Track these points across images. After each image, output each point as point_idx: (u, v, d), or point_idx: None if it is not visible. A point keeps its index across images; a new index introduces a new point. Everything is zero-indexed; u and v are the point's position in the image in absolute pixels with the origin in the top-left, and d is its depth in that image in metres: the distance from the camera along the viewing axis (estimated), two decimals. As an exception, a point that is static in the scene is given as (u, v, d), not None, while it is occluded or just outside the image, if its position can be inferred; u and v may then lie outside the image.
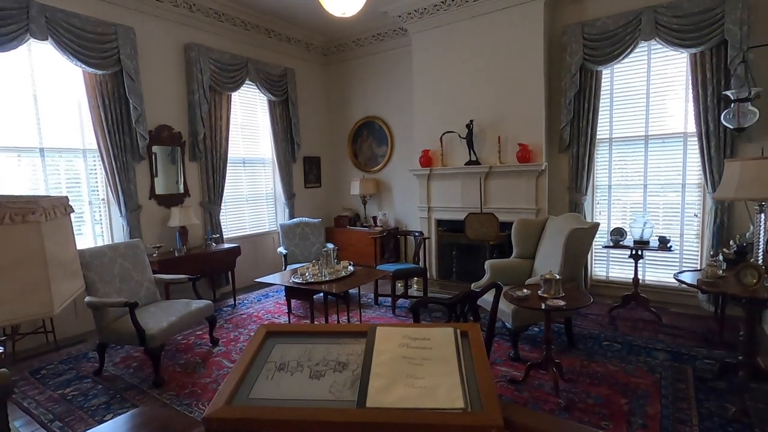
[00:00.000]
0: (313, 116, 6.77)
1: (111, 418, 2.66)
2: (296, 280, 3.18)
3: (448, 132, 5.26)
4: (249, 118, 5.89)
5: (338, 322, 3.71)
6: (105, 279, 3.34)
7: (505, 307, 3.17)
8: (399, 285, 4.87)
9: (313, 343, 1.22)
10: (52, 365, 3.47)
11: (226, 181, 5.40)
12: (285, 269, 4.95)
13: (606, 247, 4.28)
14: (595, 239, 3.81)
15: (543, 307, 2.61)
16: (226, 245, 5.13)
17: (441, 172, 5.40)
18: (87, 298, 3.18)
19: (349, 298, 3.23)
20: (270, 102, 5.95)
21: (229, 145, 5.41)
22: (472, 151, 5.12)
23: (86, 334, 4.05)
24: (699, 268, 4.15)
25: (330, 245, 5.29)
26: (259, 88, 5.72)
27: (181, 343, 3.86)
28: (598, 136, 4.75)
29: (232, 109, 5.45)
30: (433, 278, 5.57)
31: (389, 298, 4.80)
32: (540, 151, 4.78)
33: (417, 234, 4.95)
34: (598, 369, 3.11)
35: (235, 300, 5.06)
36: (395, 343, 1.17)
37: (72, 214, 1.10)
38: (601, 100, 4.67)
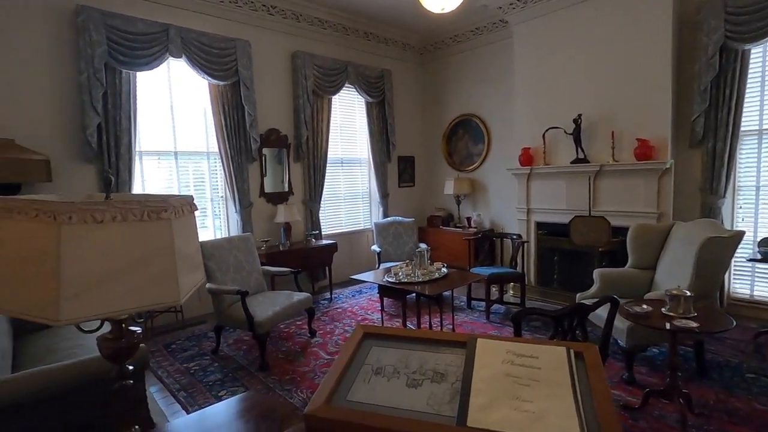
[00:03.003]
0: (408, 116, 6.81)
1: (225, 395, 2.96)
2: (390, 279, 3.21)
3: (552, 128, 4.88)
4: (347, 119, 6.13)
5: (430, 323, 3.66)
6: (222, 268, 3.73)
7: (618, 322, 2.82)
8: (493, 289, 4.65)
9: (410, 349, 1.18)
10: (180, 341, 3.98)
11: (326, 180, 5.69)
12: (378, 267, 5.05)
13: (752, 260, 3.58)
14: (737, 250, 3.20)
15: (668, 327, 2.26)
16: (324, 241, 5.40)
17: (543, 171, 5.03)
18: (207, 285, 3.58)
19: (442, 300, 3.17)
20: (367, 103, 6.12)
21: (329, 146, 5.68)
22: (579, 149, 4.68)
23: (206, 316, 4.58)
24: None
25: (422, 245, 5.27)
26: (357, 91, 5.92)
27: (283, 331, 4.15)
28: (742, 128, 4.00)
29: (332, 112, 5.71)
30: (531, 284, 5.22)
31: (483, 303, 4.62)
32: (664, 146, 4.18)
33: (515, 237, 4.68)
34: (739, 405, 2.61)
35: (331, 294, 5.31)
36: (498, 358, 1.08)
37: (195, 210, 1.20)
38: (748, 85, 3.92)
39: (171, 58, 4.25)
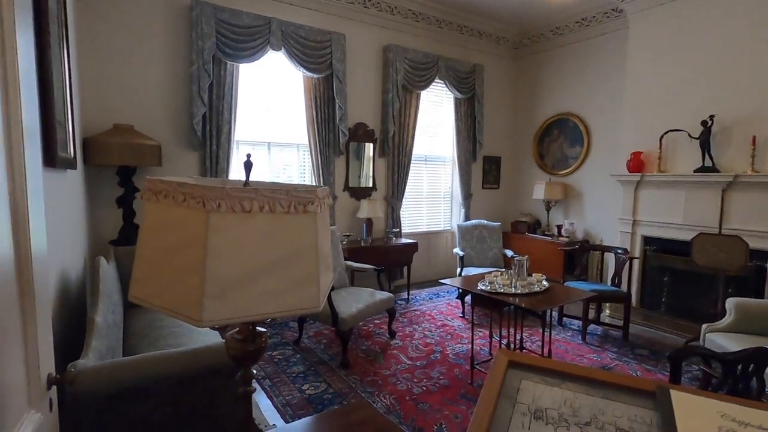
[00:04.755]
0: (497, 114, 6.44)
1: (308, 389, 2.92)
2: (483, 287, 2.97)
3: (672, 131, 4.28)
4: (433, 115, 5.92)
5: (522, 339, 3.35)
6: (308, 260, 3.72)
7: None
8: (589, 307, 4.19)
9: (572, 389, 0.96)
10: (263, 328, 4.06)
11: (409, 177, 5.54)
12: (460, 271, 4.80)
13: None
14: None
15: None
16: (405, 240, 5.26)
17: (657, 179, 4.44)
18: (294, 276, 3.59)
19: (545, 317, 2.87)
20: (456, 99, 5.86)
21: (414, 142, 5.52)
22: (707, 155, 4.04)
23: (287, 304, 4.64)
24: None
25: (508, 251, 4.93)
26: (446, 86, 5.69)
27: (363, 329, 4.07)
28: None
29: (419, 107, 5.54)
30: (633, 306, 4.65)
31: (576, 321, 4.20)
32: (826, 157, 3.46)
33: (620, 251, 4.17)
34: None
35: (408, 294, 5.16)
36: (710, 422, 0.82)
37: (332, 203, 1.08)
38: None
39: (271, 50, 4.33)
